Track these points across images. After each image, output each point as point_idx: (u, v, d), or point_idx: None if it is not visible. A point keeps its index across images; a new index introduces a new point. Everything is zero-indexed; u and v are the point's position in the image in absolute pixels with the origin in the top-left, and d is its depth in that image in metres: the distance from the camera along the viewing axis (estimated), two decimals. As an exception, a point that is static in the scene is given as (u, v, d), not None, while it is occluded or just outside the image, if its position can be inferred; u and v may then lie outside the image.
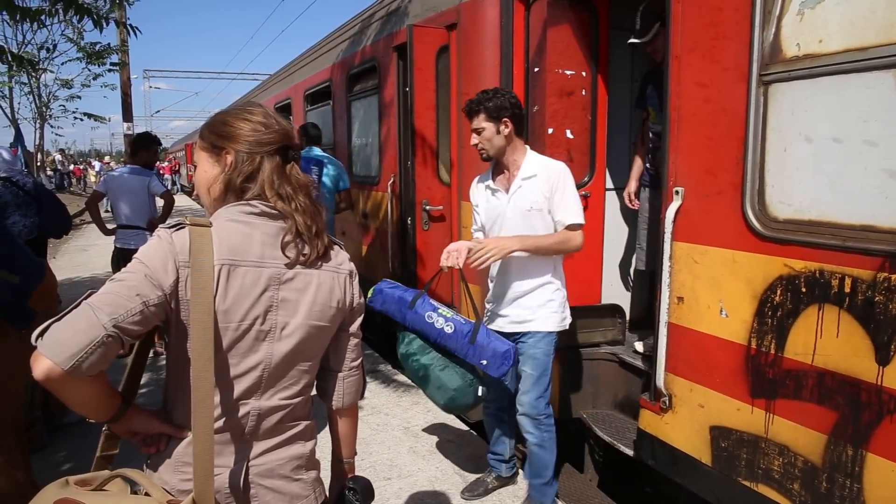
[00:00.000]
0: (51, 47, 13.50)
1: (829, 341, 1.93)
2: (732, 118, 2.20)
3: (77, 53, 13.32)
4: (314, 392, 1.41)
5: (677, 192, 2.44)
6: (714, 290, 2.32)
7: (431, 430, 3.80)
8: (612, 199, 3.76)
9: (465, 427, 3.84)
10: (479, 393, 2.69)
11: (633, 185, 3.45)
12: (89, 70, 14.09)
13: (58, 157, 23.79)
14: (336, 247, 1.37)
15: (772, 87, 2.08)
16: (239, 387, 1.21)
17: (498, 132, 2.67)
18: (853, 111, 1.85)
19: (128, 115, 15.06)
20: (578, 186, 3.39)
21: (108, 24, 4.98)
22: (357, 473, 1.48)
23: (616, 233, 3.84)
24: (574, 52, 3.31)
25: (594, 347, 3.49)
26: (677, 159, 2.44)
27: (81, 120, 14.84)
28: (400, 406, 4.17)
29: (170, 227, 1.17)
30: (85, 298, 1.07)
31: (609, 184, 3.71)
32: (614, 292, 3.86)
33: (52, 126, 14.48)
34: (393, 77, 5.14)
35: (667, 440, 2.58)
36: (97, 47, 13.37)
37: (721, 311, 2.30)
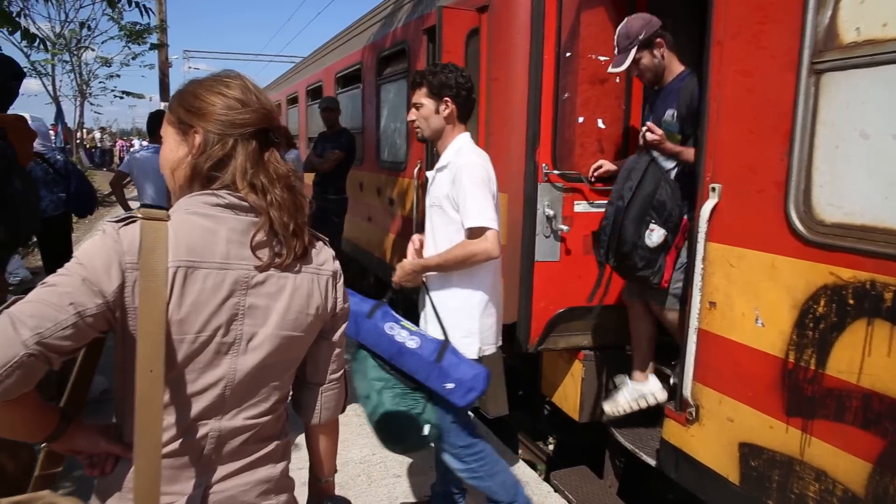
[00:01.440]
0: (92, 25, 13.69)
1: (878, 360, 1.75)
2: (778, 110, 2.00)
3: (118, 32, 13.47)
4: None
5: (713, 189, 2.25)
6: (750, 297, 2.14)
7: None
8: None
9: (482, 423, 3.73)
10: (426, 431, 2.31)
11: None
12: (129, 49, 14.24)
13: (97, 134, 24.31)
14: (319, 243, 1.21)
15: (825, 77, 1.88)
16: (197, 406, 1.06)
17: (437, 111, 2.39)
18: (918, 105, 1.65)
19: (165, 94, 15.26)
20: (610, 179, 3.23)
21: (130, 6, 4.92)
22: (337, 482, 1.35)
23: (648, 229, 3.64)
24: (609, 37, 3.11)
25: (618, 349, 3.32)
26: (715, 153, 2.26)
27: (121, 98, 15.10)
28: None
29: (118, 221, 1.01)
30: (7, 307, 0.91)
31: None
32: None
33: (91, 104, 14.72)
34: (423, 61, 5.00)
35: (692, 454, 2.41)
36: (137, 27, 13.50)
37: (757, 319, 2.12)
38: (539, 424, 4.57)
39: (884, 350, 1.73)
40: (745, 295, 2.16)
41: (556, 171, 3.07)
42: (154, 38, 14.15)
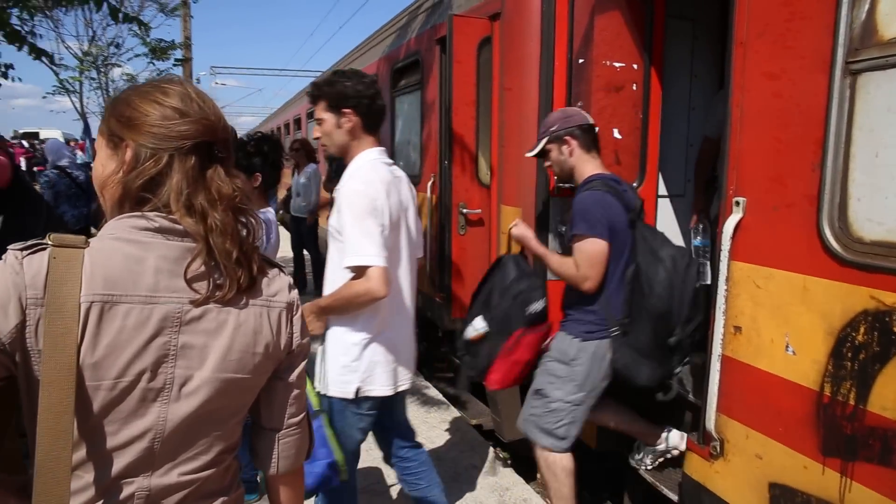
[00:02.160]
0: (119, 43, 13.93)
1: (928, 397, 1.54)
2: (808, 116, 1.81)
3: (143, 48, 13.67)
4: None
5: (737, 203, 2.06)
6: (779, 322, 1.94)
7: (457, 451, 3.51)
8: (665, 208, 3.37)
9: (491, 451, 3.54)
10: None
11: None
12: (153, 65, 14.46)
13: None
14: (273, 271, 1.05)
15: (862, 78, 1.68)
16: (119, 462, 0.91)
17: (338, 126, 2.15)
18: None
19: (190, 110, 15.44)
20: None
21: (139, 27, 4.90)
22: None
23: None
24: (625, 42, 2.95)
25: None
26: (739, 164, 2.07)
27: (146, 115, 15.16)
28: (427, 423, 3.91)
29: (24, 249, 0.87)
30: None
31: (662, 190, 3.32)
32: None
33: (118, 120, 14.95)
34: (436, 71, 4.88)
35: (717, 492, 2.20)
36: (161, 43, 13.69)
37: (787, 346, 1.91)
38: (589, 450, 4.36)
39: (935, 386, 1.52)
40: (773, 319, 1.96)
41: (568, 185, 2.90)
42: (178, 54, 14.34)
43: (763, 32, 1.97)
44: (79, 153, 15.11)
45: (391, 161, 2.27)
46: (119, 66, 14.40)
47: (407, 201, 2.25)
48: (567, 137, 2.55)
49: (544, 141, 2.61)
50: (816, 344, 1.82)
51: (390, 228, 2.08)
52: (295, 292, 1.08)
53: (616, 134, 2.99)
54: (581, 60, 2.92)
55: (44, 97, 15.29)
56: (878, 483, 1.66)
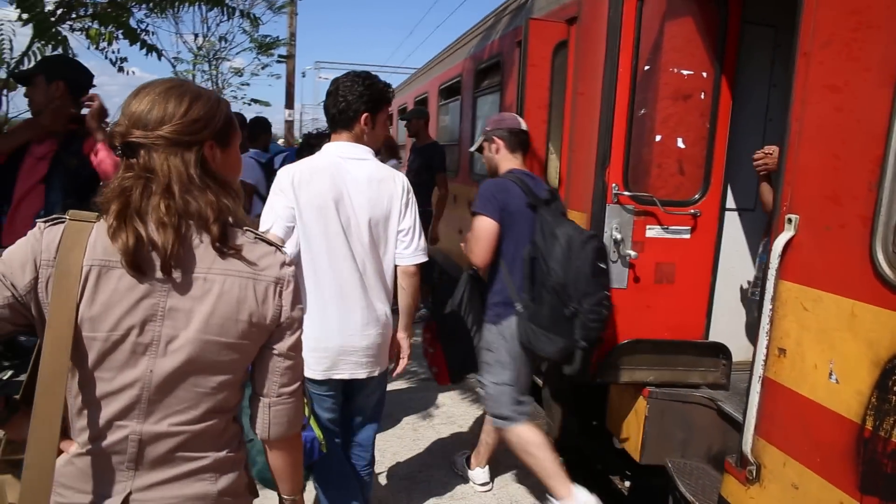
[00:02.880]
0: (230, 39, 14.83)
1: (972, 440, 1.43)
2: (869, 132, 1.71)
3: (249, 44, 14.49)
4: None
5: (790, 221, 1.97)
6: (824, 347, 1.84)
7: (499, 450, 3.54)
8: (732, 222, 3.23)
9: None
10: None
11: None
12: (258, 60, 15.30)
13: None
14: (264, 247, 1.16)
15: (926, 94, 1.58)
16: (112, 406, 1.07)
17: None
18: None
19: (290, 102, 16.23)
20: (688, 203, 2.97)
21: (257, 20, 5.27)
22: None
23: (736, 260, 3.29)
24: (695, 49, 2.86)
25: (691, 388, 3.02)
26: (794, 180, 1.98)
27: (248, 105, 16.22)
28: (476, 420, 3.96)
29: (47, 221, 1.06)
30: None
31: (730, 203, 3.19)
32: (729, 329, 3.32)
33: (225, 111, 15.97)
34: (515, 74, 4.90)
35: (751, 519, 2.12)
36: (267, 39, 14.46)
37: (830, 374, 1.82)
38: (615, 459, 4.29)
39: (980, 429, 1.41)
40: (819, 344, 1.87)
41: (626, 193, 2.86)
42: (282, 50, 15.08)
43: (828, 42, 1.87)
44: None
45: (356, 155, 2.27)
46: (228, 59, 15.32)
47: (349, 195, 2.23)
48: (495, 138, 2.92)
49: (481, 139, 3.00)
50: (861, 374, 1.72)
51: (308, 211, 2.17)
52: (288, 270, 1.19)
53: (680, 143, 2.91)
54: (648, 67, 2.86)
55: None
56: (913, 527, 1.55)
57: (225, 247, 1.11)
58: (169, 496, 1.10)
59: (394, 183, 2.32)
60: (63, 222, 1.05)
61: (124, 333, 1.05)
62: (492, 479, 3.25)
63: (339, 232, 2.22)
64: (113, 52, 5.28)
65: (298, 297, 1.20)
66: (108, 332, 1.04)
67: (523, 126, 2.95)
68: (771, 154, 2.65)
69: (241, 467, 1.21)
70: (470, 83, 6.37)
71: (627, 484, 4.17)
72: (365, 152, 2.31)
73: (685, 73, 2.86)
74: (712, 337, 3.20)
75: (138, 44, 4.98)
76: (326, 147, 2.33)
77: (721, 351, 2.99)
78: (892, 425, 1.62)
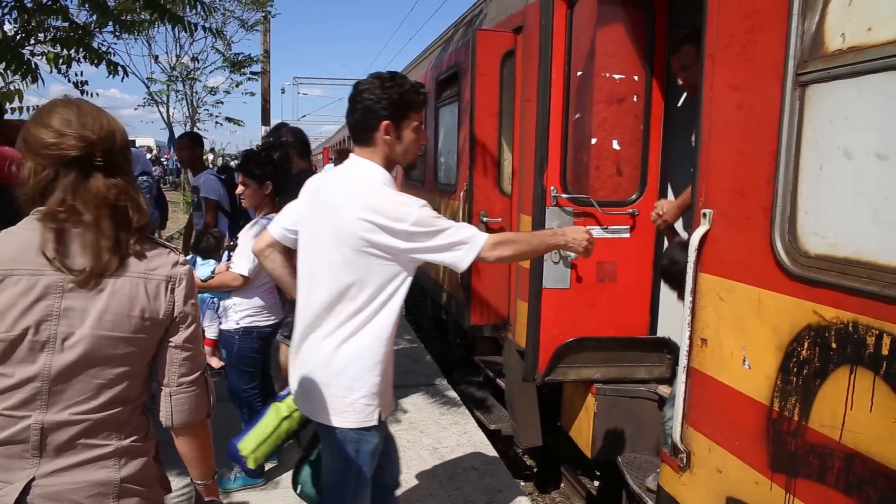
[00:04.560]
0: (203, 58, 14.88)
1: (859, 415, 1.50)
2: (765, 127, 1.80)
3: (222, 63, 14.55)
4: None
5: (705, 215, 2.06)
6: (738, 335, 1.92)
7: (460, 453, 3.59)
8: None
9: (494, 453, 3.59)
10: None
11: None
12: (231, 79, 15.35)
13: (209, 156, 26.22)
14: (158, 250, 1.27)
15: (809, 89, 1.67)
16: (14, 398, 1.16)
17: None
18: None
19: (266, 119, 16.26)
20: (626, 203, 3.05)
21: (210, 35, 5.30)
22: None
23: (680, 257, 3.38)
24: (627, 53, 2.96)
25: (636, 384, 3.10)
26: (707, 176, 2.06)
27: (221, 124, 16.21)
28: (438, 424, 4.00)
29: None
30: None
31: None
32: (677, 324, 3.40)
33: (198, 129, 15.97)
34: (469, 83, 5.00)
35: (683, 505, 2.19)
36: (240, 57, 14.52)
37: (744, 360, 1.89)
38: (587, 459, 4.34)
39: (865, 403, 1.48)
40: (734, 332, 1.95)
41: (565, 195, 2.94)
42: (256, 68, 15.14)
43: (730, 44, 1.97)
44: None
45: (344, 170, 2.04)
46: (198, 80, 15.37)
47: (323, 208, 1.95)
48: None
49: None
50: (768, 358, 1.79)
51: (300, 225, 2.02)
52: (181, 269, 1.29)
53: (615, 145, 3.00)
54: (581, 73, 2.95)
55: (135, 109, 16.56)
56: (814, 500, 1.62)
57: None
58: (71, 482, 1.18)
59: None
60: None
61: (21, 333, 1.16)
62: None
63: (312, 248, 1.99)
64: (76, 75, 5.35)
65: (192, 293, 1.30)
66: (6, 333, 1.15)
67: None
68: (662, 213, 2.77)
69: (148, 457, 1.28)
70: (431, 94, 6.46)
71: (597, 484, 4.22)
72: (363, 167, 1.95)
73: (617, 77, 2.96)
74: (661, 332, 3.28)
75: (97, 63, 5.00)
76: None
77: (666, 345, 3.07)
78: (794, 406, 1.70)
